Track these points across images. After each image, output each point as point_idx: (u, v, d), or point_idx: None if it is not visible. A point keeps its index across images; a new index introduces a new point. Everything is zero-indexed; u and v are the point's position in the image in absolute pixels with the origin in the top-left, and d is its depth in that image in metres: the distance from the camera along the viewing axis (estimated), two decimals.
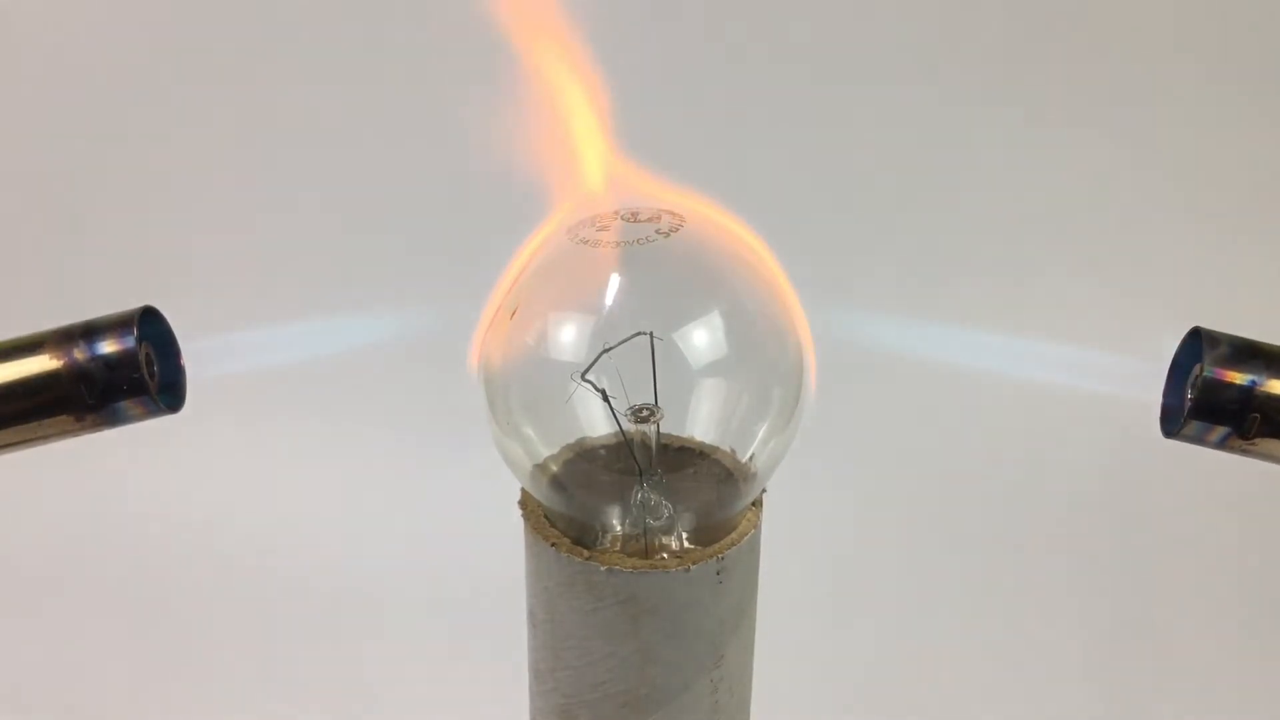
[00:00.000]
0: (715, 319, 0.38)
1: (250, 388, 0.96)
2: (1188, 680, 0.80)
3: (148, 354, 0.36)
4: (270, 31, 0.97)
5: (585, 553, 0.37)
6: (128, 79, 0.97)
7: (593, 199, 0.38)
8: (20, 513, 0.92)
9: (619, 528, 0.38)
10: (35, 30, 0.97)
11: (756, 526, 0.39)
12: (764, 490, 0.40)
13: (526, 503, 0.39)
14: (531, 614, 0.40)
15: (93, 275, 0.97)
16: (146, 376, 0.35)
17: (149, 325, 0.36)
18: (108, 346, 0.35)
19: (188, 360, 0.38)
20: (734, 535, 0.38)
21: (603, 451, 0.40)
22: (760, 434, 0.39)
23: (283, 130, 0.98)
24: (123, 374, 0.35)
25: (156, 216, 1.00)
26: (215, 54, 0.97)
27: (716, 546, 0.37)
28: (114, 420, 0.36)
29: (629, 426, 0.39)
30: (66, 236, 1.00)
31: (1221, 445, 0.35)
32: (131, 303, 0.36)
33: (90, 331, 0.35)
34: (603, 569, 0.36)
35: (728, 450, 0.40)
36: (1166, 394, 0.36)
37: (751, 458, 0.40)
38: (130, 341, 0.35)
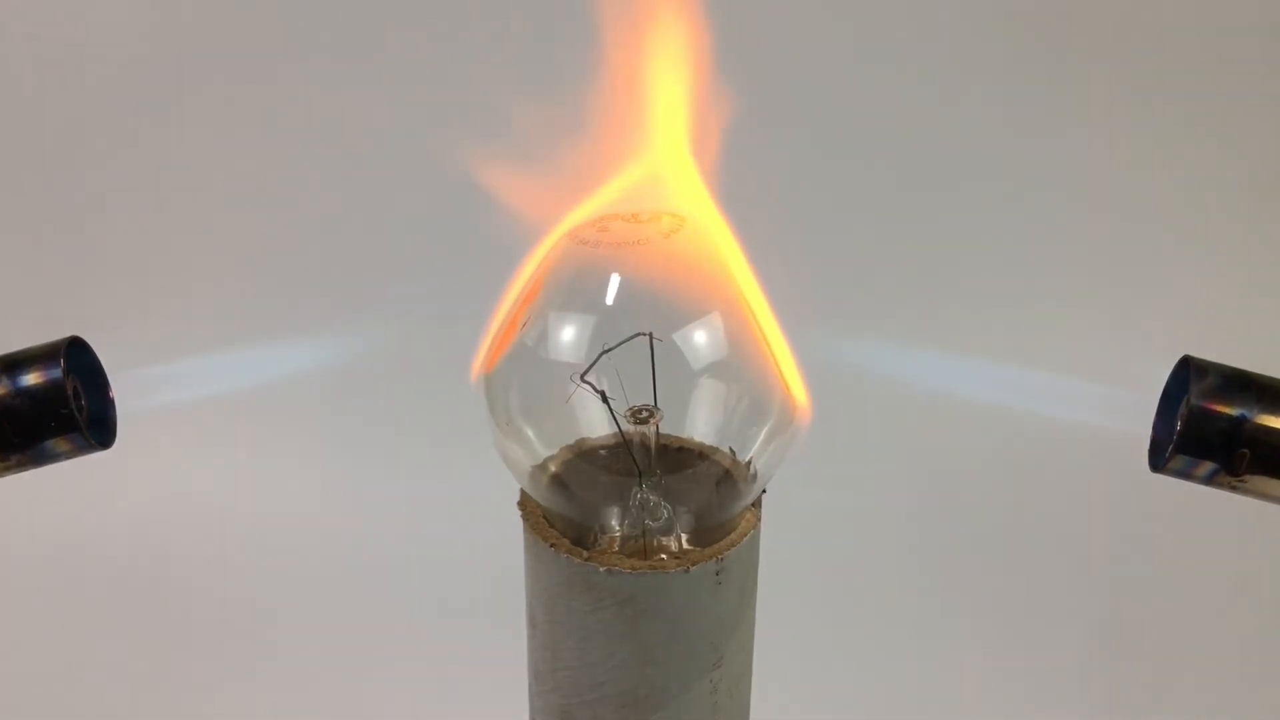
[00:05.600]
0: (715, 320, 0.38)
1: (250, 389, 0.96)
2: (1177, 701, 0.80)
3: (75, 387, 0.34)
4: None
5: (584, 553, 0.37)
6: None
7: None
8: (20, 512, 0.92)
9: (618, 528, 0.38)
10: None
11: (756, 527, 0.39)
12: (764, 491, 0.40)
13: (526, 504, 0.39)
14: (531, 615, 0.40)
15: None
16: (75, 411, 0.33)
17: (75, 356, 0.34)
18: (32, 379, 0.32)
19: (117, 393, 0.35)
20: (733, 536, 0.38)
21: (602, 452, 0.40)
22: (760, 436, 0.39)
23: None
24: (49, 409, 0.32)
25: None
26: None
27: (716, 547, 0.37)
28: (40, 459, 0.33)
29: (628, 427, 0.39)
30: None
31: (1210, 481, 0.33)
32: (55, 334, 0.34)
33: (12, 364, 0.33)
34: (602, 570, 0.36)
35: (727, 451, 0.40)
36: (1157, 426, 0.35)
37: (751, 459, 0.40)
38: (56, 373, 0.33)
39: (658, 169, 0.37)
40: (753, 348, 0.38)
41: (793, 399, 0.38)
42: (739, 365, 0.38)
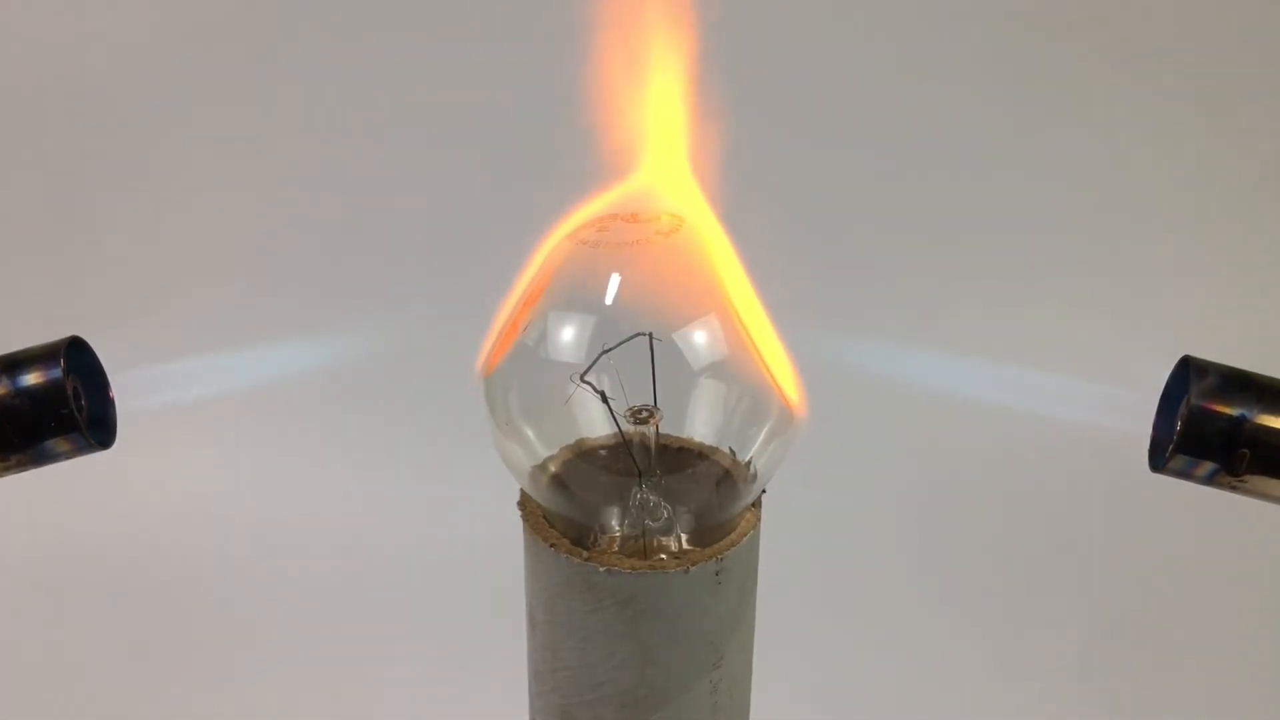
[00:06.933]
0: (714, 320, 0.38)
1: (250, 389, 0.96)
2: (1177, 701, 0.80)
3: (75, 387, 0.34)
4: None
5: (584, 553, 0.37)
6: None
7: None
8: (20, 512, 0.92)
9: (618, 528, 0.38)
10: None
11: (756, 527, 0.39)
12: (764, 491, 0.40)
13: (526, 504, 0.39)
14: (531, 615, 0.40)
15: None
16: (75, 411, 0.33)
17: (76, 356, 0.34)
18: (32, 379, 0.32)
19: (117, 392, 0.35)
20: (733, 536, 0.38)
21: (602, 452, 0.40)
22: (760, 436, 0.39)
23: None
24: (49, 409, 0.32)
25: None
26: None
27: (716, 547, 0.37)
28: (40, 459, 0.33)
29: (628, 427, 0.39)
30: None
31: (1210, 481, 0.33)
32: (55, 334, 0.34)
33: (12, 364, 0.33)
34: (602, 570, 0.36)
35: (727, 451, 0.40)
36: (1157, 426, 0.35)
37: (751, 459, 0.40)
38: (56, 373, 0.33)
39: (654, 174, 0.37)
40: (752, 348, 0.38)
41: (786, 399, 0.38)
42: (739, 365, 0.38)
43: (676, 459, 0.40)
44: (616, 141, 0.37)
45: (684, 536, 0.38)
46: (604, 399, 0.37)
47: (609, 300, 0.38)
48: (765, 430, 0.39)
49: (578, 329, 0.37)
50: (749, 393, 0.39)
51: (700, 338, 0.38)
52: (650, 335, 0.37)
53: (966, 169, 1.03)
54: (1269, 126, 1.04)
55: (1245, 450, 0.32)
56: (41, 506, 0.92)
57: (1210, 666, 0.82)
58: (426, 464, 0.95)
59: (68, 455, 0.34)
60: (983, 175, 1.03)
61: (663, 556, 0.37)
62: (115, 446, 0.36)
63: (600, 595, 0.37)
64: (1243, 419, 0.32)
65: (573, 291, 0.38)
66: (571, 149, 0.38)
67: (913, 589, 0.89)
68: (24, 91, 0.97)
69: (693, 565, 0.36)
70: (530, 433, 0.39)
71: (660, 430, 0.39)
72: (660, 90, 0.36)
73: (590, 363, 0.37)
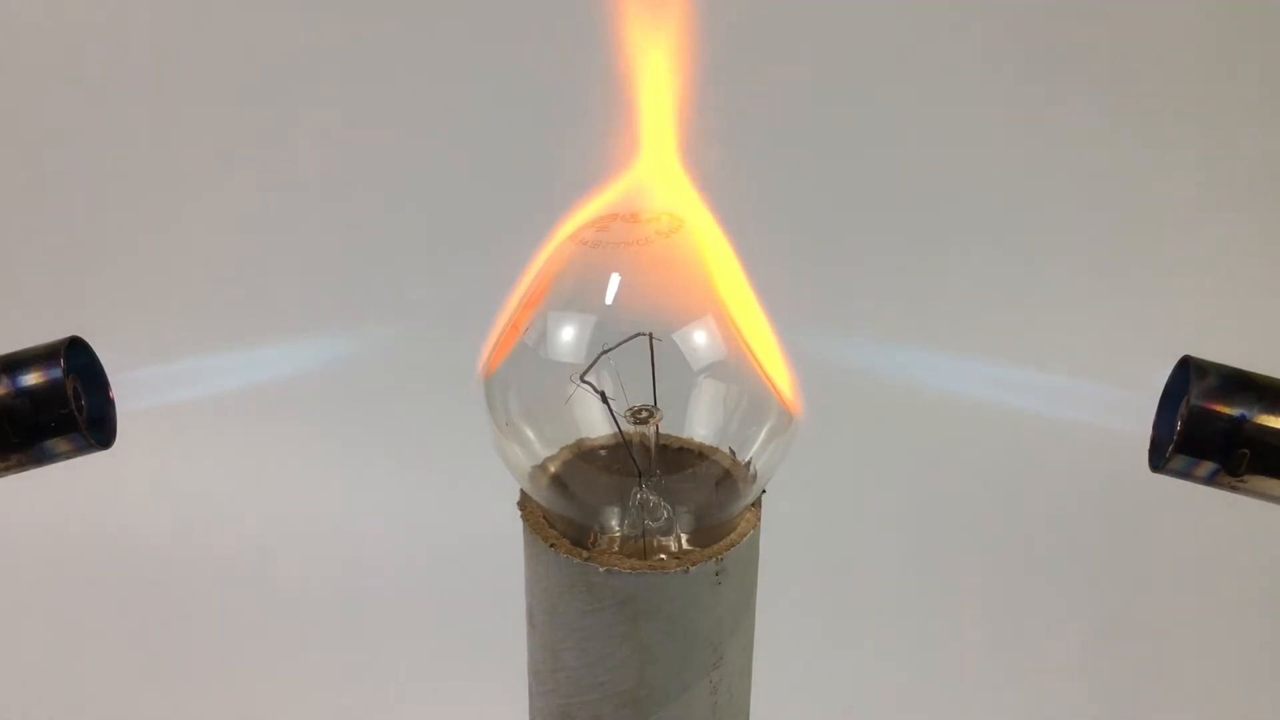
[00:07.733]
0: (714, 320, 0.38)
1: (250, 389, 0.96)
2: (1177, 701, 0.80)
3: (75, 387, 0.34)
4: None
5: (584, 553, 0.37)
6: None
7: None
8: (20, 512, 0.92)
9: (618, 528, 0.38)
10: None
11: (756, 527, 0.39)
12: (764, 491, 0.40)
13: (525, 504, 0.39)
14: (530, 615, 0.40)
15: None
16: (75, 411, 0.33)
17: (76, 356, 0.34)
18: (32, 379, 0.33)
19: (117, 392, 0.36)
20: (733, 536, 0.38)
21: (602, 452, 0.40)
22: (760, 436, 0.39)
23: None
24: (49, 409, 0.32)
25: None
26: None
27: (715, 548, 0.37)
28: (40, 459, 0.33)
29: (628, 428, 0.39)
30: None
31: (1210, 481, 0.33)
32: (55, 334, 0.34)
33: (12, 364, 0.33)
34: (601, 570, 0.36)
35: (727, 451, 0.40)
36: (1157, 426, 0.35)
37: (751, 459, 0.40)
38: (57, 374, 0.33)
39: (647, 175, 0.37)
40: (752, 348, 0.38)
41: (785, 399, 0.38)
42: (739, 365, 0.38)
43: (676, 459, 0.40)
44: (614, 142, 0.37)
45: (684, 536, 0.38)
46: (604, 399, 0.37)
47: (609, 300, 0.37)
48: (765, 430, 0.39)
49: (578, 329, 0.37)
50: (749, 393, 0.39)
51: (700, 338, 0.38)
52: (650, 335, 0.37)
53: (966, 168, 1.03)
54: (1269, 126, 1.04)
55: (1245, 450, 0.32)
56: (41, 506, 0.92)
57: (1210, 666, 0.82)
58: (427, 464, 0.95)
59: (68, 455, 0.34)
60: (982, 174, 1.03)
61: (662, 556, 0.37)
62: (115, 446, 0.36)
63: (600, 595, 0.37)
64: (1243, 419, 0.32)
65: (573, 292, 0.38)
66: (571, 149, 0.38)
67: (913, 589, 0.89)
68: (24, 91, 0.97)
69: (693, 565, 0.36)
70: (530, 433, 0.39)
71: (660, 430, 0.39)
72: (656, 89, 0.36)
73: (590, 363, 0.37)
